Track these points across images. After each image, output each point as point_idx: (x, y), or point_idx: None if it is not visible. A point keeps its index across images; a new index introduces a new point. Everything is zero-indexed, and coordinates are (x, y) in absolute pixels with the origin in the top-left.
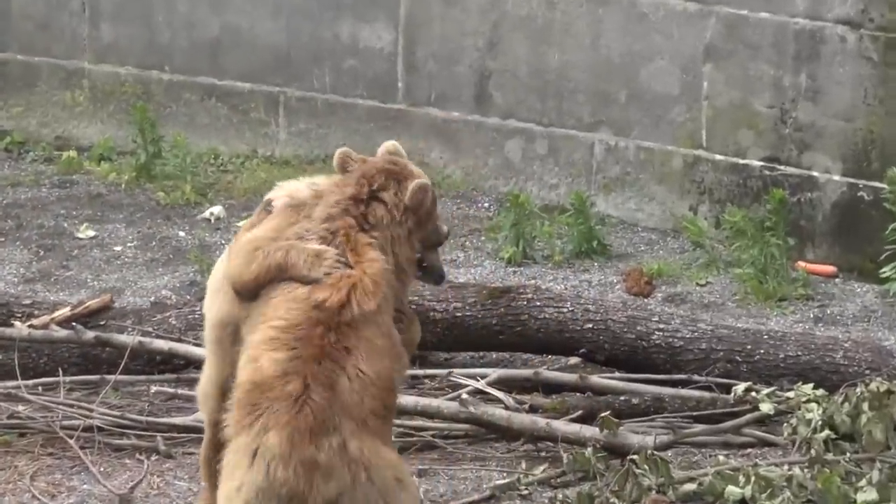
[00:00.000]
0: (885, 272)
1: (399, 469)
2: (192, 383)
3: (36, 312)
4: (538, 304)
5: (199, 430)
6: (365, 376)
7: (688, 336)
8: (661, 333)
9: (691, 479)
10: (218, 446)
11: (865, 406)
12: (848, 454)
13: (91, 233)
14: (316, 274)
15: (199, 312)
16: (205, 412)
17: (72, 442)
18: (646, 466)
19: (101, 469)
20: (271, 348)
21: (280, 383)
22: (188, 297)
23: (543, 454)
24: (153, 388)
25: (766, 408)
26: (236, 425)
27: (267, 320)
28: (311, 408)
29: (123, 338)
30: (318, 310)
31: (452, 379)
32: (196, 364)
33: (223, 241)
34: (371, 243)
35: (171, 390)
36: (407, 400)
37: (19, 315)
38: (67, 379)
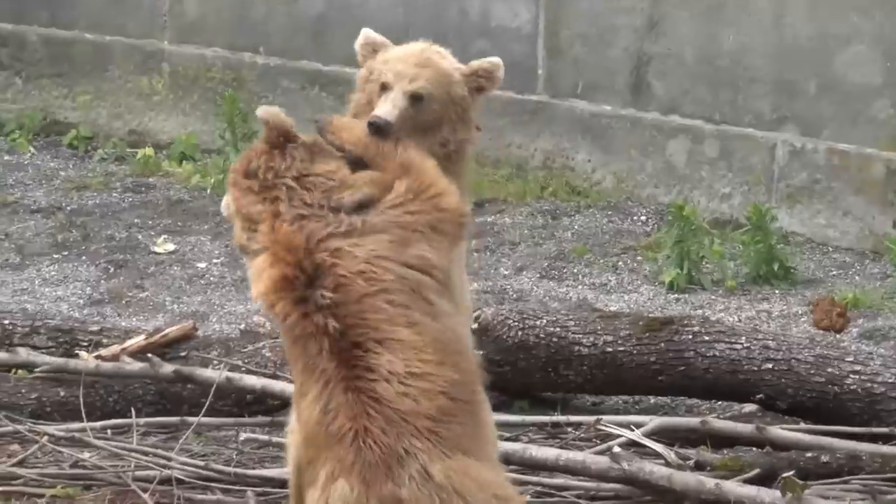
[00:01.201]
0: None
1: (498, 486)
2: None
3: (105, 341)
4: (706, 338)
5: None
6: (405, 371)
7: (890, 381)
8: (856, 377)
9: None
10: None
11: None
12: None
13: (170, 246)
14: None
15: None
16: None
17: (146, 497)
18: None
19: None
20: (303, 393)
21: (322, 428)
22: None
23: None
24: (242, 434)
25: None
26: (307, 484)
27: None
28: (371, 437)
29: (208, 373)
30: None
31: (601, 428)
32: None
33: None
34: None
35: (263, 437)
36: (546, 453)
37: (85, 344)
38: (141, 421)
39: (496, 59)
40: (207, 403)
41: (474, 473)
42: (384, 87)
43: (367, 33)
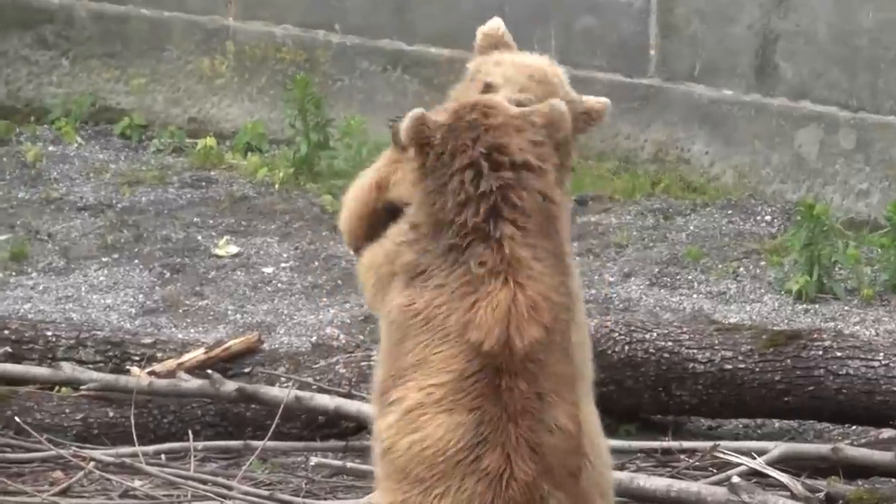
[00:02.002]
0: None
1: None
2: (364, 454)
3: (159, 355)
4: (839, 354)
5: None
6: (564, 427)
7: None
8: None
9: None
10: None
11: None
12: None
13: (233, 249)
14: None
15: (375, 358)
16: None
17: None
18: None
19: None
20: (441, 409)
21: (468, 456)
22: (361, 337)
23: None
24: (313, 460)
25: None
26: (391, 495)
27: (414, 369)
28: (517, 484)
29: (275, 391)
30: (487, 356)
31: (719, 455)
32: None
33: None
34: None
35: (336, 462)
36: (656, 483)
37: (137, 359)
38: (200, 445)
39: (606, 101)
40: (274, 426)
41: None
42: (488, 88)
43: (497, 24)
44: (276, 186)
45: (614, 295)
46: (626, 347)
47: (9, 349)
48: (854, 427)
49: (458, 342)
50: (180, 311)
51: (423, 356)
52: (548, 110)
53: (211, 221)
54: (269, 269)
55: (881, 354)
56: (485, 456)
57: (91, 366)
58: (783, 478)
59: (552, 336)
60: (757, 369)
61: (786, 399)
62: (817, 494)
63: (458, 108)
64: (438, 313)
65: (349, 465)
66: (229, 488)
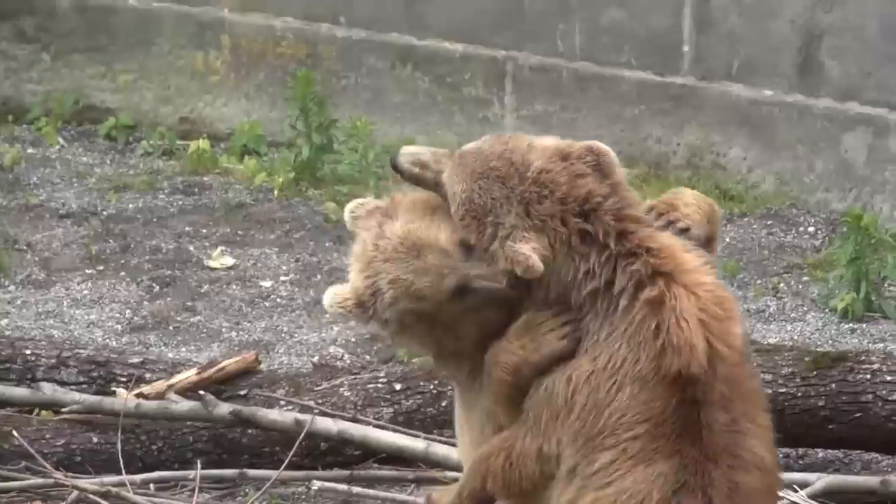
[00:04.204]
0: None
1: None
2: (371, 483)
3: (148, 376)
4: (888, 378)
5: None
6: (761, 463)
7: None
8: None
9: None
10: None
11: None
12: None
13: (228, 261)
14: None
15: (382, 380)
16: None
17: None
18: None
19: None
20: (639, 461)
21: None
22: (367, 357)
23: None
24: (316, 484)
25: None
26: None
27: (600, 427)
28: None
29: (274, 415)
30: (682, 385)
31: None
32: (378, 455)
33: None
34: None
35: (341, 487)
36: None
37: (124, 380)
38: (192, 474)
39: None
40: (272, 452)
41: None
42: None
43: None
44: (276, 193)
45: None
46: None
47: None
48: None
49: (648, 385)
50: (171, 327)
51: (619, 412)
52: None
53: (204, 231)
54: (267, 283)
55: None
56: (684, 502)
57: (74, 387)
58: None
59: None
60: (799, 394)
61: (830, 427)
62: None
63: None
64: (617, 365)
65: (355, 489)
66: None
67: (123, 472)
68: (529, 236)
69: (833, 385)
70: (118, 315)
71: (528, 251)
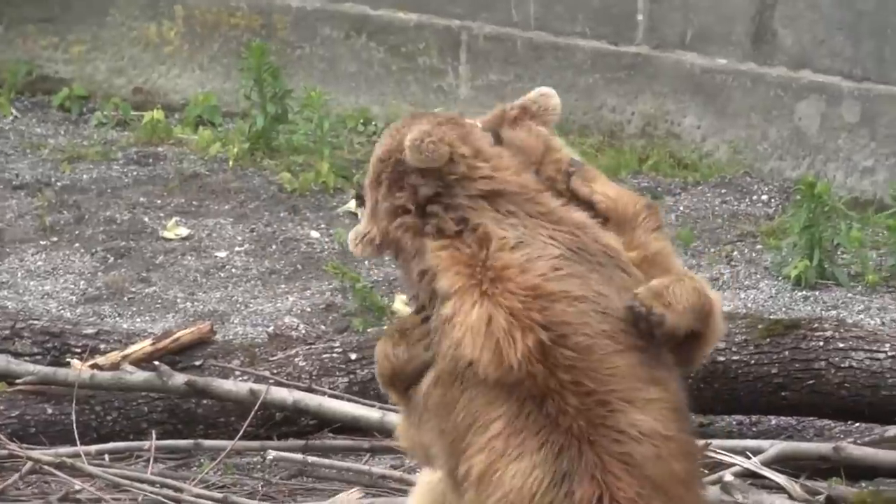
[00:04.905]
0: None
1: None
2: (326, 453)
3: (102, 347)
4: (841, 346)
5: None
6: (652, 431)
7: None
8: None
9: None
10: None
11: None
12: None
13: (183, 231)
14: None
15: (337, 350)
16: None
17: None
18: None
19: None
20: (510, 459)
21: (558, 493)
22: (323, 327)
23: None
24: (271, 453)
25: None
26: None
27: (464, 434)
28: None
29: (228, 385)
30: (507, 387)
31: (710, 454)
32: (333, 425)
33: None
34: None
35: (296, 457)
36: None
37: (78, 351)
38: (147, 444)
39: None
40: (227, 423)
41: None
42: None
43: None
44: (230, 163)
45: None
46: None
47: None
48: (857, 424)
49: (486, 384)
50: (125, 298)
51: (470, 416)
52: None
53: (159, 201)
54: (222, 254)
55: (887, 345)
56: (576, 488)
57: (28, 358)
58: (780, 479)
59: (570, 335)
60: (752, 362)
61: (783, 394)
62: (817, 497)
63: None
64: (452, 369)
65: (311, 458)
66: (180, 490)
67: (78, 442)
68: (369, 223)
69: (786, 352)
70: (72, 286)
71: (353, 235)
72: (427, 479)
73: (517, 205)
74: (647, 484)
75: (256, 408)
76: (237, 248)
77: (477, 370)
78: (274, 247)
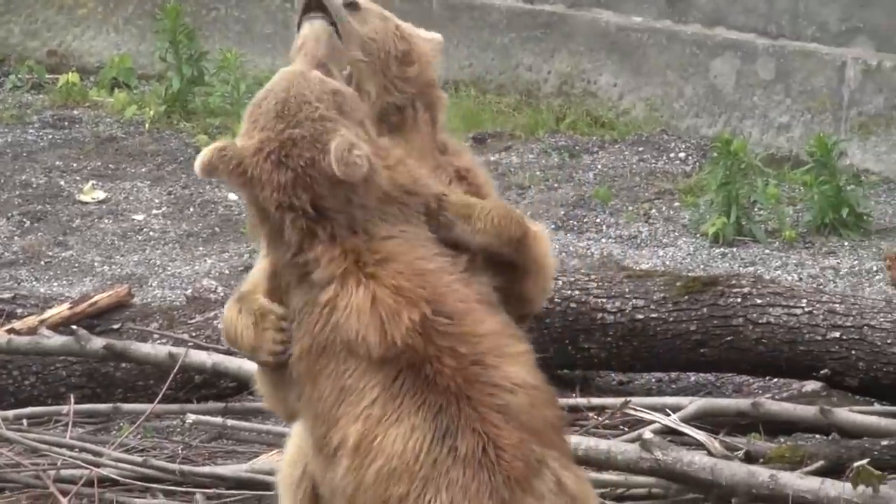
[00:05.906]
0: None
1: (595, 497)
2: (246, 416)
3: (19, 311)
4: (759, 302)
5: (256, 485)
6: (524, 382)
7: None
8: None
9: None
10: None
11: None
12: None
13: (99, 194)
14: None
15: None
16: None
17: (65, 501)
18: None
19: None
20: (389, 424)
21: (441, 450)
22: None
23: None
24: (190, 417)
25: None
26: None
27: (337, 405)
28: (506, 453)
29: (147, 348)
30: (389, 360)
31: (630, 412)
32: (252, 387)
33: None
34: None
35: (216, 420)
36: None
37: None
38: (65, 408)
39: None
40: (146, 386)
41: (586, 484)
42: None
43: None
44: (147, 126)
45: None
46: None
47: None
48: (775, 380)
49: (360, 356)
50: (42, 262)
51: (339, 387)
52: None
53: (75, 165)
54: (139, 217)
55: (804, 301)
56: (459, 443)
57: None
58: (699, 435)
59: (447, 305)
60: (671, 319)
61: (702, 351)
62: (736, 453)
63: None
64: (327, 341)
65: (230, 422)
66: (99, 455)
67: None
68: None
69: (704, 309)
70: None
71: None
72: (299, 431)
73: (402, 203)
74: (525, 431)
75: (175, 371)
76: (154, 211)
77: (359, 349)
78: (191, 209)
